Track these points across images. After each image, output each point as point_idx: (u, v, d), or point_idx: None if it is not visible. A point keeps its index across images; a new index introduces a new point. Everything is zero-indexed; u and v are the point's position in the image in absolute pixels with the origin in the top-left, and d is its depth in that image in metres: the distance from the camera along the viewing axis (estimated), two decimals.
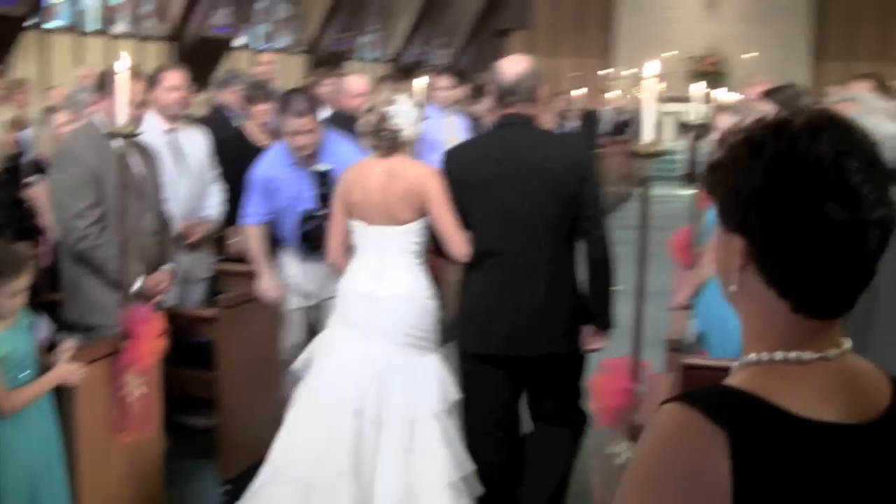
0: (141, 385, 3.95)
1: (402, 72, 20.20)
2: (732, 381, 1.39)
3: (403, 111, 4.16)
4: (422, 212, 4.10)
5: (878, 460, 1.33)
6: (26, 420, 3.56)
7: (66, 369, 3.67)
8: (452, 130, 8.41)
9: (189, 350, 4.71)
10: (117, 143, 3.82)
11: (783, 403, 1.31)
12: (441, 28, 24.85)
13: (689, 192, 6.13)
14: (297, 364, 4.26)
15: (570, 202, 4.00)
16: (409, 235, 4.13)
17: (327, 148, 5.05)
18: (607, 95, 18.82)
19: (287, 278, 5.17)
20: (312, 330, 4.93)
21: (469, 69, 23.20)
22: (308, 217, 4.95)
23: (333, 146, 5.09)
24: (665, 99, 24.56)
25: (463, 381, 4.20)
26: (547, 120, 12.25)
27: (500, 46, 27.65)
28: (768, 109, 5.47)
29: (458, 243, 4.04)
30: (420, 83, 6.97)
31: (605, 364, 3.57)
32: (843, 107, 3.69)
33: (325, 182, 4.90)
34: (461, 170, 4.11)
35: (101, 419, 3.89)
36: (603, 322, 4.13)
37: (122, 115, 3.76)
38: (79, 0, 14.78)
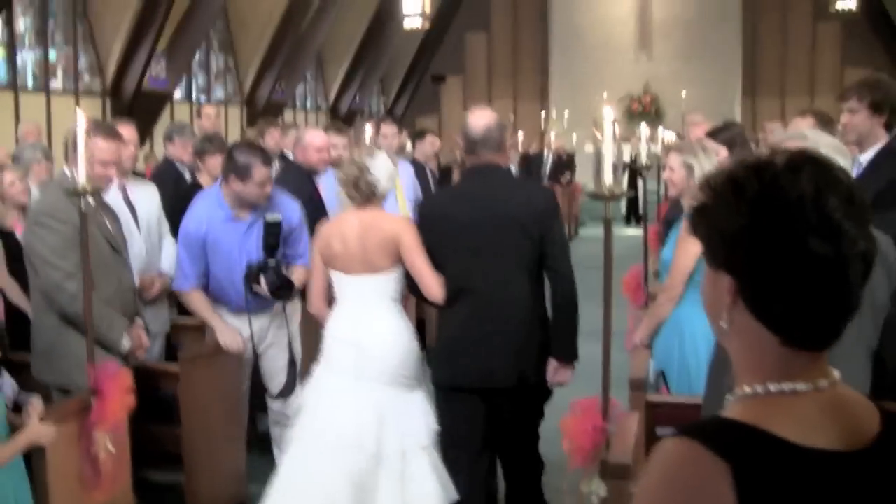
0: (110, 442, 3.92)
1: (341, 119, 20.33)
2: (729, 413, 1.42)
3: (381, 166, 4.43)
4: (398, 259, 4.32)
5: (873, 485, 1.38)
6: None
7: (37, 429, 3.64)
8: (401, 178, 8.47)
9: (152, 405, 4.69)
10: (87, 201, 3.81)
11: (781, 433, 1.35)
12: (376, 75, 25.04)
13: (631, 231, 6.27)
14: (289, 408, 4.54)
15: (537, 242, 4.24)
16: (388, 283, 4.36)
17: (271, 199, 5.12)
18: (550, 137, 19.03)
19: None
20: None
21: (406, 115, 23.45)
22: (261, 268, 4.93)
23: (276, 197, 5.17)
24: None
25: (438, 413, 4.41)
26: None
27: (435, 91, 27.96)
28: (715, 147, 5.62)
29: (433, 286, 4.26)
30: (367, 131, 7.05)
31: (575, 404, 3.62)
32: (791, 143, 3.83)
33: (275, 232, 4.93)
34: (436, 215, 4.37)
35: (71, 478, 3.85)
36: (568, 355, 4.33)
37: (83, 173, 3.76)
38: (16, 57, 14.66)
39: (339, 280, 4.40)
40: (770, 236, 1.34)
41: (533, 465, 4.49)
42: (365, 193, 4.39)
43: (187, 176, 7.00)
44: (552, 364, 4.32)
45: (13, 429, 3.64)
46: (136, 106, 15.63)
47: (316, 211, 6.03)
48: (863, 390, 1.60)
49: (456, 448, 4.38)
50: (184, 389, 4.70)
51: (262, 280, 4.93)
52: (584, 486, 3.46)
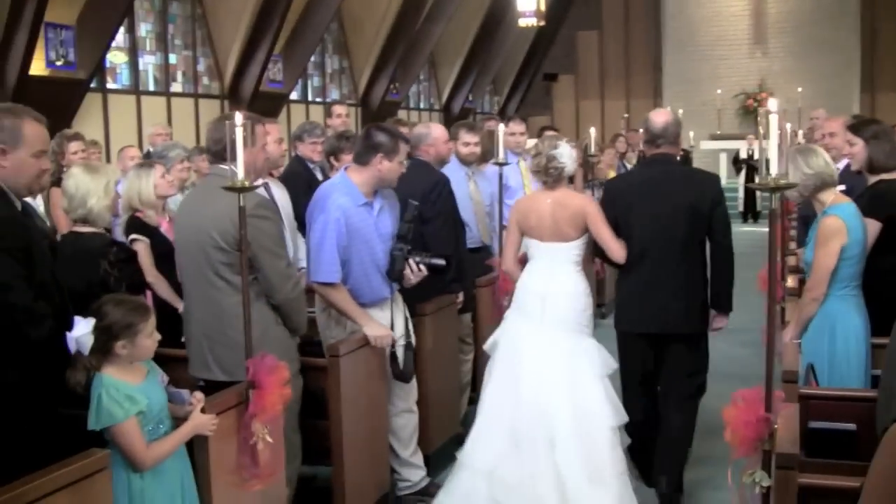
0: (267, 434, 3.98)
1: (454, 119, 20.40)
2: None
3: (565, 153, 5.31)
4: (584, 230, 5.27)
5: None
6: (164, 471, 3.62)
7: (200, 420, 3.73)
8: (528, 174, 8.45)
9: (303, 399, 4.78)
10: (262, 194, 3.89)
11: None
12: (488, 75, 25.06)
13: (747, 228, 6.37)
14: (486, 345, 5.46)
15: (705, 219, 5.31)
16: (574, 249, 5.29)
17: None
18: None
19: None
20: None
21: (518, 114, 23.41)
22: (410, 251, 5.15)
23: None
24: (718, 136, 24.45)
25: (619, 354, 5.46)
26: (608, 161, 12.30)
27: (547, 90, 27.87)
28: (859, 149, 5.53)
29: (617, 250, 5.30)
30: (499, 130, 7.05)
31: (738, 395, 3.59)
32: None
33: (416, 214, 5.19)
34: (624, 193, 5.47)
35: (231, 467, 3.93)
36: (725, 307, 5.42)
37: (242, 170, 3.83)
38: (138, 61, 15.11)
39: (534, 246, 5.34)
40: None
41: (690, 400, 5.46)
42: (554, 176, 5.29)
43: (318, 175, 7.10)
44: (712, 314, 5.42)
45: (174, 420, 3.73)
46: (254, 107, 15.95)
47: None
48: None
49: (632, 381, 5.46)
50: (331, 383, 4.74)
51: (412, 264, 5.13)
52: (747, 476, 3.48)
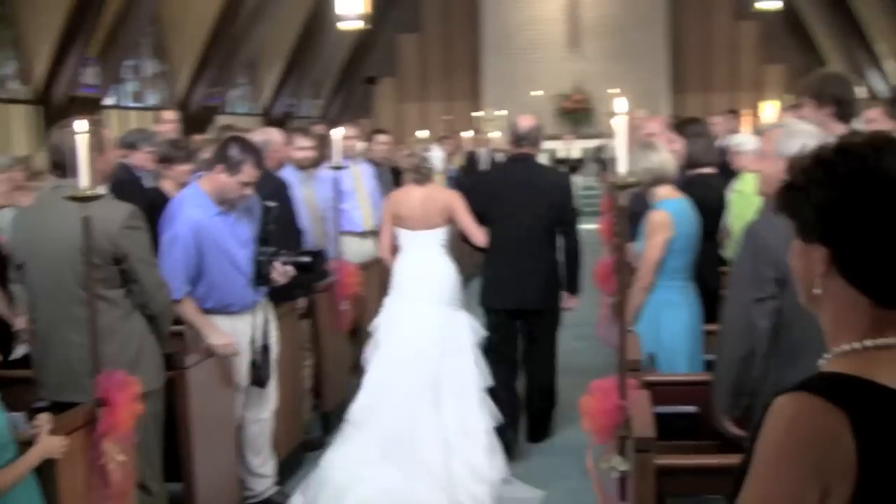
0: (119, 452, 3.84)
1: (274, 123, 20.16)
2: (833, 368, 1.57)
3: (434, 155, 6.30)
4: (449, 219, 6.16)
5: None
6: (12, 500, 3.43)
7: (49, 444, 3.54)
8: (361, 178, 8.48)
9: None
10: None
11: (883, 381, 1.52)
12: (309, 78, 24.88)
13: (585, 226, 6.95)
14: (370, 327, 6.18)
15: (557, 211, 6.35)
16: (441, 235, 6.16)
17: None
18: (486, 136, 19.21)
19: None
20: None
21: (340, 117, 23.35)
22: (274, 254, 5.13)
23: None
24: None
25: (485, 326, 6.28)
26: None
27: (369, 94, 27.91)
28: (679, 147, 5.94)
29: (479, 235, 6.22)
30: (336, 134, 7.09)
31: (593, 386, 3.72)
32: (772, 132, 3.97)
33: (274, 217, 5.21)
34: (487, 187, 6.64)
35: (81, 489, 3.77)
36: (575, 289, 6.53)
37: (85, 178, 3.69)
38: None
39: (406, 234, 6.15)
40: (863, 209, 1.52)
41: (549, 369, 6.60)
42: (424, 174, 6.18)
43: (148, 183, 6.87)
44: (564, 295, 6.49)
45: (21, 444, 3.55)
46: (68, 113, 15.28)
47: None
48: None
49: (495, 352, 6.21)
50: (178, 396, 4.62)
51: (277, 266, 5.12)
52: (604, 462, 3.65)
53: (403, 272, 6.12)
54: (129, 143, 7.03)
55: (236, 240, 5.07)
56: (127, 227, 4.14)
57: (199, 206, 4.97)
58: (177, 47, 19.53)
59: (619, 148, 3.52)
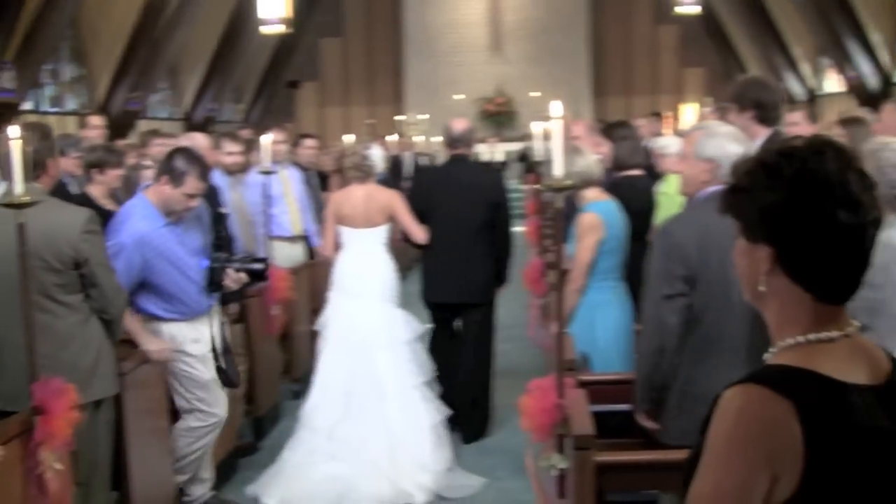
0: (56, 461, 3.80)
1: (196, 128, 19.94)
2: (779, 361, 1.65)
3: (374, 154, 6.70)
4: (390, 218, 6.35)
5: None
6: None
7: None
8: (290, 182, 8.47)
9: None
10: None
11: (827, 372, 1.60)
12: (230, 83, 24.65)
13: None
14: (317, 325, 6.41)
15: (491, 209, 6.65)
16: (382, 233, 6.33)
17: None
18: (411, 140, 19.25)
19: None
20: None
21: (262, 122, 23.21)
22: (227, 260, 5.17)
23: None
24: None
25: (426, 319, 6.68)
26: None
27: (291, 98, 27.75)
28: (606, 150, 6.08)
29: (419, 233, 6.49)
30: (265, 139, 7.08)
31: (532, 385, 3.79)
32: (693, 134, 4.07)
33: (225, 223, 5.43)
34: (426, 187, 6.95)
35: (19, 500, 3.71)
36: (505, 280, 6.88)
37: (19, 184, 3.65)
38: None
39: (348, 232, 6.30)
40: (805, 210, 1.60)
41: (485, 362, 6.87)
42: (365, 171, 6.36)
43: (73, 189, 6.77)
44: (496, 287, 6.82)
45: None
46: None
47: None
48: None
49: (435, 341, 6.65)
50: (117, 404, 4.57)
51: (230, 272, 5.14)
52: (543, 460, 3.70)
53: (345, 270, 6.27)
54: (58, 149, 6.92)
55: (186, 249, 5.04)
56: (86, 232, 4.12)
57: (145, 219, 4.93)
58: (96, 51, 19.19)
59: (555, 150, 3.59)
